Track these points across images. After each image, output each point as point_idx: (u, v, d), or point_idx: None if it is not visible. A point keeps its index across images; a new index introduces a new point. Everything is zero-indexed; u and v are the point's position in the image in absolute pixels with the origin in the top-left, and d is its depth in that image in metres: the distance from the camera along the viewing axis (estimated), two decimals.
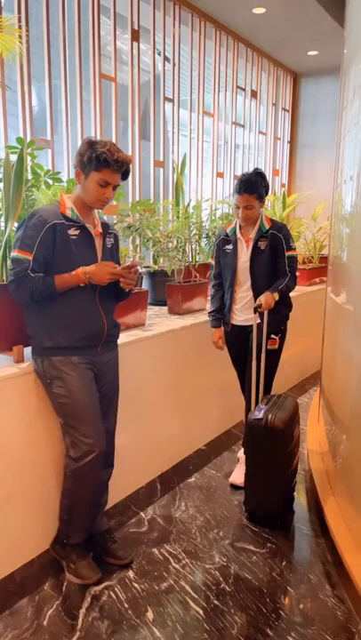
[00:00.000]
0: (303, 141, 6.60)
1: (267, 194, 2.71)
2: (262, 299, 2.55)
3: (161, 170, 4.49)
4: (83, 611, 1.90)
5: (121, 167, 1.92)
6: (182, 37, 4.51)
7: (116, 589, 2.01)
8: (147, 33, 4.21)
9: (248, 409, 2.78)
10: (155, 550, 2.25)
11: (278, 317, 2.75)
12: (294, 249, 2.70)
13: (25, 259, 1.87)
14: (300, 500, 2.72)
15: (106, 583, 2.04)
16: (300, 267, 5.13)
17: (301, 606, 1.95)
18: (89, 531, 2.14)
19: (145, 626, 1.83)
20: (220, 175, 5.44)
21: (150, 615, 1.88)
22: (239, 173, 5.70)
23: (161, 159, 4.48)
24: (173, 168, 4.28)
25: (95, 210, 2.05)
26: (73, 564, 2.06)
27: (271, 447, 2.38)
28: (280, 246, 2.65)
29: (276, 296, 2.59)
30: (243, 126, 5.62)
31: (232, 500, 2.67)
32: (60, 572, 2.09)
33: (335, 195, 3.12)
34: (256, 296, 2.69)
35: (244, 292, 2.75)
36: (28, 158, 2.42)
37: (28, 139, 3.23)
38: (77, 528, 2.10)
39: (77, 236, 1.94)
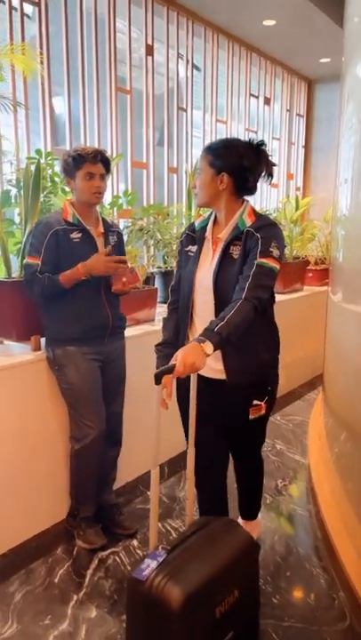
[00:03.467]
0: (318, 146, 6.74)
1: (244, 172, 1.76)
2: (179, 355, 1.55)
3: (175, 176, 4.71)
4: (90, 571, 2.13)
5: (96, 157, 2.13)
6: (196, 48, 4.74)
7: (121, 555, 2.24)
8: (162, 45, 4.45)
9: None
10: (158, 524, 2.46)
11: (260, 366, 1.85)
12: (276, 258, 1.70)
13: (34, 263, 2.13)
14: (299, 485, 2.90)
15: (112, 549, 2.27)
16: (311, 267, 5.28)
17: (288, 573, 2.13)
18: (96, 504, 2.37)
19: None
20: None
21: None
22: None
23: (175, 165, 4.70)
24: (186, 174, 4.50)
25: (97, 210, 2.28)
26: (82, 531, 2.30)
27: (157, 632, 1.42)
28: (254, 250, 1.69)
29: (210, 348, 1.56)
30: (255, 132, 5.80)
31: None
32: (71, 540, 2.33)
33: (334, 197, 3.29)
34: None
35: (206, 319, 1.73)
36: (48, 168, 2.69)
37: (49, 147, 3.50)
38: (85, 501, 2.33)
39: (80, 239, 2.17)
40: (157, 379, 1.56)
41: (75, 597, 1.98)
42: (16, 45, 2.55)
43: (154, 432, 1.61)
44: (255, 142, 1.80)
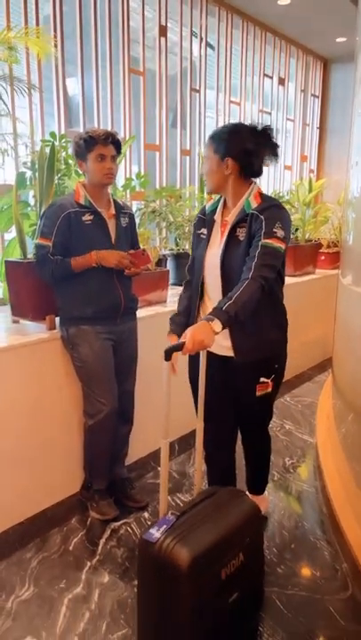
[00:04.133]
0: (333, 127, 6.66)
1: (248, 156, 1.83)
2: (188, 333, 1.62)
3: (187, 158, 4.72)
4: (103, 540, 2.23)
5: (107, 139, 2.17)
6: (210, 28, 4.71)
7: (132, 525, 2.33)
8: (175, 25, 4.42)
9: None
10: (168, 497, 2.55)
11: (268, 345, 1.93)
12: (281, 239, 1.73)
13: (45, 244, 2.19)
14: (306, 463, 2.97)
15: (124, 520, 2.37)
16: (323, 250, 5.28)
17: (293, 545, 2.21)
18: (109, 477, 2.47)
19: None
20: None
21: None
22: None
23: (188, 148, 4.71)
24: (199, 156, 4.50)
25: (109, 192, 2.32)
26: (96, 503, 2.40)
27: (166, 591, 1.50)
28: (259, 231, 1.75)
29: (218, 326, 1.62)
30: (270, 113, 5.76)
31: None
32: (85, 511, 2.43)
33: (346, 180, 3.29)
34: None
35: (215, 297, 1.91)
36: (62, 150, 2.73)
37: (63, 129, 3.53)
38: (98, 475, 2.43)
39: (91, 221, 2.22)
40: (167, 355, 1.63)
41: (88, 564, 2.09)
42: (31, 29, 2.58)
43: (164, 405, 1.69)
44: (260, 127, 1.86)
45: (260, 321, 1.86)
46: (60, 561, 2.10)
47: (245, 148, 1.83)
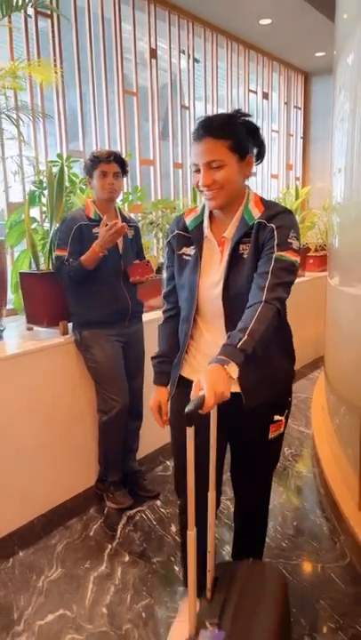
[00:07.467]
0: (316, 136, 6.96)
1: (260, 150, 1.50)
2: (204, 382, 1.20)
3: (180, 171, 4.97)
4: (120, 526, 2.43)
5: (109, 157, 2.39)
6: (196, 47, 4.97)
7: (147, 512, 2.53)
8: (165, 43, 4.67)
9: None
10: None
11: (281, 376, 1.58)
12: (296, 251, 1.41)
13: (62, 255, 2.41)
14: (304, 451, 3.18)
15: (138, 508, 2.56)
16: (311, 254, 5.53)
17: (295, 523, 2.42)
18: (122, 470, 2.66)
19: (169, 535, 2.34)
20: None
21: (173, 529, 2.39)
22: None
23: (180, 161, 4.95)
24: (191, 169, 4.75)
25: (115, 207, 2.55)
26: (111, 494, 2.59)
27: None
28: (269, 242, 1.40)
29: (235, 370, 1.25)
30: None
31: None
32: (101, 502, 2.62)
33: (330, 186, 3.53)
34: None
35: (214, 331, 1.53)
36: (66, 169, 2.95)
37: (64, 148, 3.75)
38: (112, 467, 2.63)
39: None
40: (190, 420, 1.14)
41: (109, 546, 2.28)
42: (33, 61, 2.81)
43: (189, 482, 1.21)
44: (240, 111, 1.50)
45: (271, 352, 1.48)
46: (82, 545, 2.29)
47: (260, 134, 1.48)
